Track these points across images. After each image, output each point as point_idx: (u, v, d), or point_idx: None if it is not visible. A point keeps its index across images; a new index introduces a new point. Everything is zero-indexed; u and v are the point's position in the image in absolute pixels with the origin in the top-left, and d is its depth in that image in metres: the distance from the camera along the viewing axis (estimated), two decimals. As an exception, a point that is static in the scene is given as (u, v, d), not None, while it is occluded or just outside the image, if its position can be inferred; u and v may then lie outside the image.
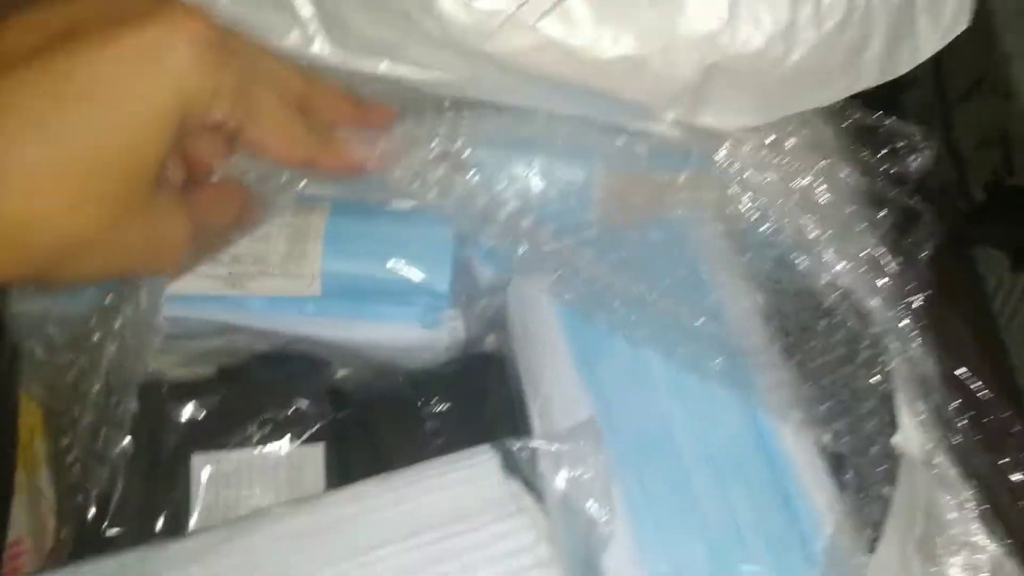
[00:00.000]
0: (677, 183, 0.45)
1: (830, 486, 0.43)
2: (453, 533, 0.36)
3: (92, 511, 0.39)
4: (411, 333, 0.46)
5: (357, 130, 0.37)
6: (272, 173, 0.36)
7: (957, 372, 0.43)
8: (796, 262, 0.45)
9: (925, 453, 0.42)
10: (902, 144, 0.50)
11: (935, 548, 0.40)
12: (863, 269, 0.46)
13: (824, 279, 0.45)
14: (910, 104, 0.64)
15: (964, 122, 0.71)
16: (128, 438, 0.40)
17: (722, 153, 0.45)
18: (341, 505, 0.37)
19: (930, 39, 0.42)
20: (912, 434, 0.44)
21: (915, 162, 0.49)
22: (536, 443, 0.40)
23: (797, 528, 0.41)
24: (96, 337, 0.39)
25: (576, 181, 0.43)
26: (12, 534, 0.46)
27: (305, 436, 0.44)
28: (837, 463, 0.43)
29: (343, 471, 0.44)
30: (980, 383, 0.43)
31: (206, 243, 0.35)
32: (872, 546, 0.41)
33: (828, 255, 0.45)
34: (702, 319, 0.40)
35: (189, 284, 0.44)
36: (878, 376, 0.44)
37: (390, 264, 0.46)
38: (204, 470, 0.42)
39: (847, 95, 0.44)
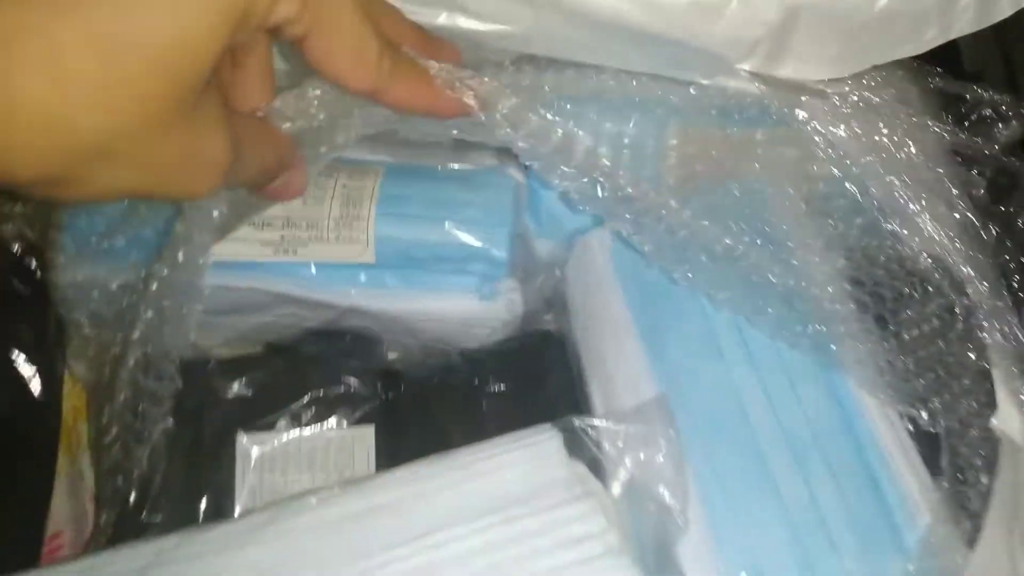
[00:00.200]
0: (754, 142, 0.42)
1: (923, 471, 0.39)
2: (515, 517, 0.33)
3: (132, 496, 0.36)
4: (468, 304, 0.44)
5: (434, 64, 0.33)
6: (317, 126, 0.34)
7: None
8: (884, 226, 0.41)
9: (1027, 436, 0.38)
10: (989, 113, 0.46)
11: (1044, 540, 0.36)
12: (956, 235, 0.42)
13: (915, 245, 0.41)
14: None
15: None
16: (169, 418, 0.37)
17: (802, 109, 0.41)
18: (394, 486, 0.34)
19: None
20: (1012, 415, 0.40)
21: (1004, 132, 0.45)
22: (602, 422, 0.37)
23: (887, 517, 0.38)
24: (135, 306, 0.36)
25: (647, 142, 0.40)
26: (52, 527, 0.44)
27: (355, 417, 0.42)
28: (930, 445, 0.40)
29: (394, 455, 0.41)
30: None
31: (238, 181, 0.31)
32: (972, 538, 0.37)
33: (918, 219, 0.42)
34: (792, 280, 0.37)
35: (237, 249, 0.42)
36: (974, 352, 0.41)
37: (446, 227, 0.43)
38: (250, 451, 0.40)
39: (939, 43, 0.41)
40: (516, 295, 0.45)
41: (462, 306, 0.44)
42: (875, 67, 0.43)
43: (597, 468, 0.37)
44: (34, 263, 0.48)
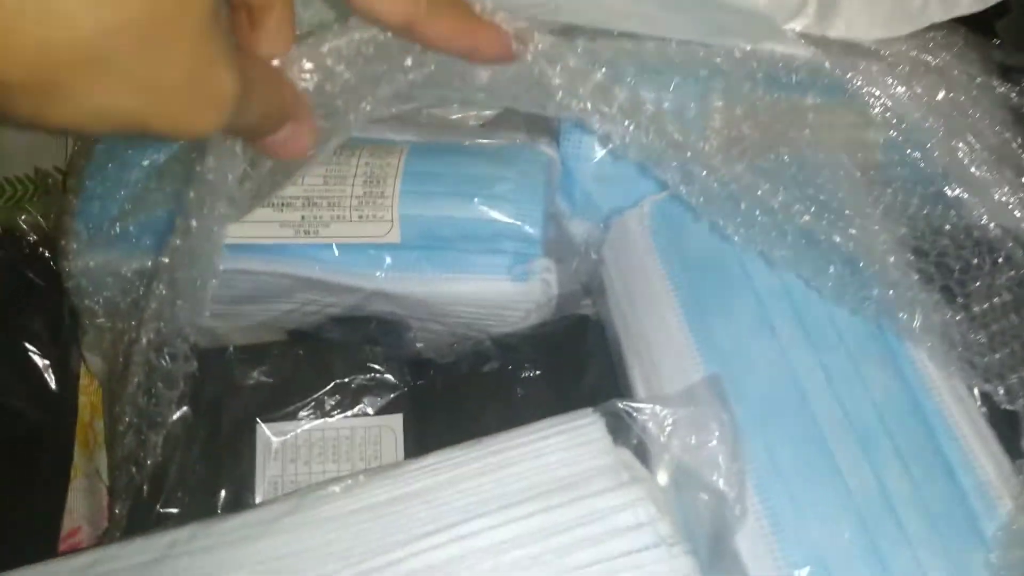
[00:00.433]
0: (804, 107, 0.39)
1: (1001, 453, 0.36)
2: (555, 505, 0.30)
3: (146, 487, 0.34)
4: (499, 286, 0.41)
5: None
6: (341, 88, 0.31)
7: None
8: (949, 194, 0.38)
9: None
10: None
11: None
12: (1027, 202, 0.38)
13: (983, 213, 0.38)
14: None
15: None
16: (185, 404, 0.35)
17: (857, 71, 0.38)
18: (424, 474, 0.32)
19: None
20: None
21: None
22: (648, 405, 0.34)
23: (963, 504, 0.34)
24: (148, 284, 0.34)
25: (689, 105, 0.37)
26: (70, 523, 0.42)
27: (382, 406, 0.39)
28: (1009, 426, 0.36)
29: (423, 444, 0.39)
30: None
31: (239, 126, 0.28)
32: (1058, 527, 0.34)
33: (986, 185, 0.38)
34: (853, 245, 0.34)
35: (255, 231, 0.40)
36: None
37: (475, 204, 0.41)
38: (271, 442, 0.37)
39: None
40: (551, 275, 0.42)
41: (493, 288, 0.42)
42: (932, 28, 0.40)
43: (644, 455, 0.34)
44: (48, 254, 0.46)
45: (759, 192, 0.33)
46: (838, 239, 0.34)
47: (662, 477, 0.33)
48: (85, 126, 0.23)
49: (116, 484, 0.36)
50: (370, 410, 0.39)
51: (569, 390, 0.41)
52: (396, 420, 0.39)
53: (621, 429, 0.34)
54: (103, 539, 0.37)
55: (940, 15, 0.39)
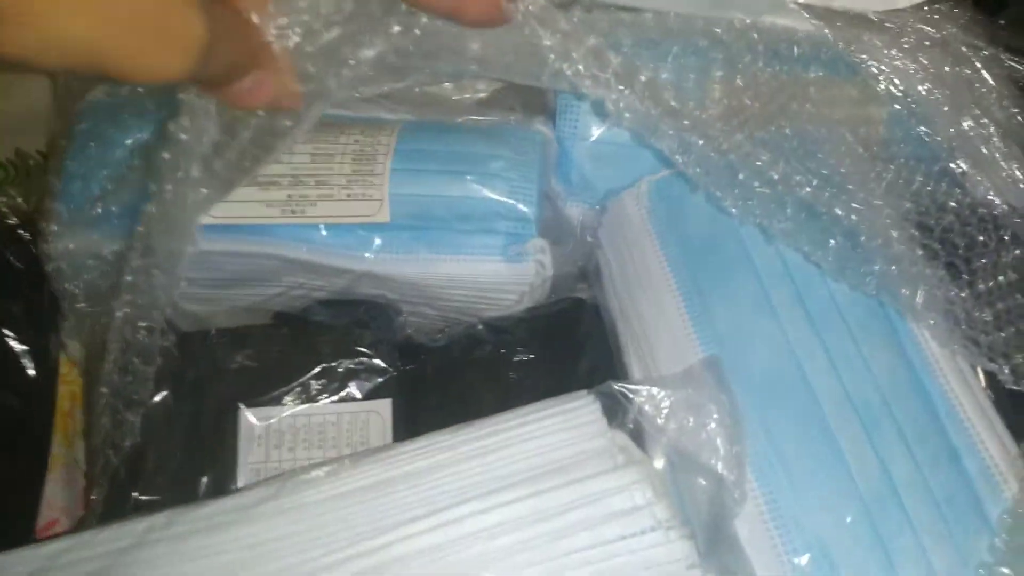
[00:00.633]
0: (806, 81, 0.38)
1: (1007, 436, 0.35)
2: (547, 489, 0.29)
3: (123, 471, 0.33)
4: (493, 267, 0.40)
5: None
6: (314, 43, 0.29)
7: None
8: (954, 169, 0.37)
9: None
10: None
11: None
12: (1035, 177, 0.37)
13: (989, 189, 0.37)
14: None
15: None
16: (166, 392, 0.34)
17: (860, 44, 0.37)
18: (412, 457, 0.31)
19: None
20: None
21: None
22: (645, 386, 0.33)
23: (968, 488, 0.33)
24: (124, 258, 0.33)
25: (688, 75, 0.36)
26: (49, 515, 0.41)
27: (371, 390, 0.38)
28: (1013, 407, 0.35)
29: (413, 430, 0.37)
30: None
31: (204, 73, 0.26)
32: (1067, 511, 0.33)
33: (991, 161, 0.37)
34: (856, 217, 0.32)
35: (239, 211, 0.39)
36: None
37: (468, 182, 0.39)
38: (254, 427, 0.36)
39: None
40: (545, 256, 0.41)
41: (487, 269, 0.40)
42: (937, 0, 0.39)
43: (640, 437, 0.33)
44: (29, 237, 0.45)
45: (758, 163, 0.32)
46: (840, 212, 0.32)
47: (659, 460, 0.32)
48: (39, 56, 0.22)
49: (93, 469, 0.35)
50: (358, 395, 0.38)
51: (564, 374, 0.40)
52: (385, 405, 0.38)
53: (617, 411, 0.33)
54: (78, 527, 0.36)
55: (946, -16, 0.38)
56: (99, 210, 0.40)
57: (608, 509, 0.28)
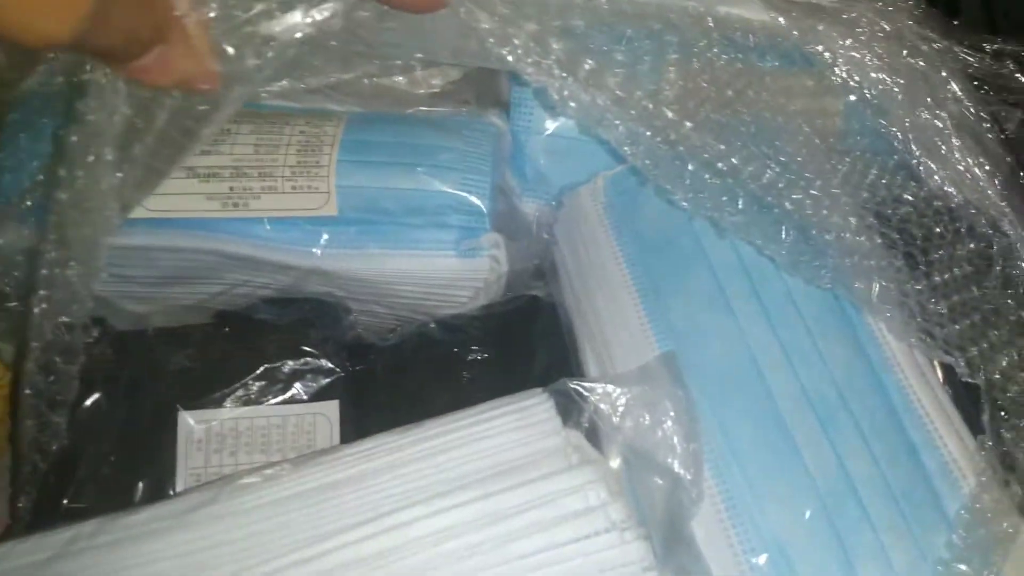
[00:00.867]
0: (762, 72, 0.37)
1: (964, 430, 0.34)
2: (497, 491, 0.28)
3: (52, 478, 0.31)
4: (445, 262, 0.39)
5: None
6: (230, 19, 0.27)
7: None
8: (910, 161, 0.36)
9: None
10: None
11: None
12: (989, 170, 0.37)
13: (943, 182, 0.36)
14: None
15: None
16: (98, 394, 0.32)
17: (816, 35, 0.37)
18: (356, 460, 0.29)
19: None
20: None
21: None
22: (600, 384, 0.32)
23: (927, 484, 0.33)
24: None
25: (643, 58, 0.35)
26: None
27: (317, 392, 0.37)
28: (971, 401, 0.35)
29: (362, 433, 0.36)
30: None
31: (99, 43, 0.24)
32: (1023, 504, 0.32)
33: (945, 154, 0.37)
34: (811, 207, 0.32)
35: (178, 204, 0.37)
36: (1014, 299, 0.36)
37: (418, 174, 0.38)
38: (193, 431, 0.34)
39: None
40: (500, 252, 0.40)
41: (439, 264, 0.39)
42: (892, -9, 0.39)
43: (596, 436, 0.32)
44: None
45: (706, 154, 0.31)
46: (793, 203, 0.32)
47: (614, 459, 0.31)
48: None
49: (20, 476, 0.33)
50: (303, 396, 0.36)
51: (519, 373, 0.39)
52: (332, 407, 0.36)
53: (572, 410, 0.32)
54: (2, 537, 0.34)
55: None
56: (29, 203, 0.38)
57: (561, 510, 0.27)
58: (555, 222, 0.44)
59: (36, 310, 0.31)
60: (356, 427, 0.37)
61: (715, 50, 0.36)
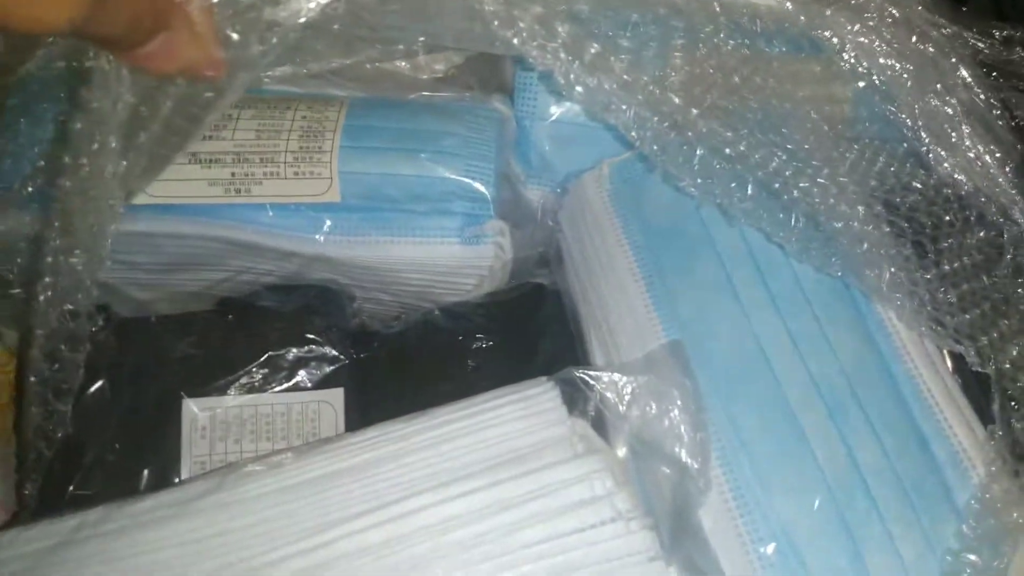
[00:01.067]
0: (770, 58, 0.37)
1: (974, 420, 0.34)
2: (503, 480, 0.28)
3: (58, 465, 0.31)
4: (450, 249, 0.39)
5: None
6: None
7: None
8: (918, 149, 0.36)
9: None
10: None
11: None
12: (1001, 157, 0.37)
13: (953, 168, 0.36)
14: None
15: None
16: (102, 381, 0.32)
17: (825, 21, 0.36)
18: (360, 449, 0.29)
19: None
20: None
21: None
22: (606, 373, 0.31)
23: (936, 474, 0.33)
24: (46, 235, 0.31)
25: (649, 44, 0.34)
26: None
27: (321, 380, 0.37)
28: (981, 391, 0.35)
29: (367, 420, 0.36)
30: None
31: (102, 30, 0.24)
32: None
33: (955, 141, 0.36)
34: (819, 196, 0.31)
35: (180, 190, 0.37)
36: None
37: (422, 160, 0.38)
38: (197, 418, 0.34)
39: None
40: (505, 239, 0.40)
41: (443, 251, 0.39)
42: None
43: (602, 425, 0.31)
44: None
45: (715, 141, 0.30)
46: (801, 191, 0.31)
47: (621, 448, 0.31)
48: None
49: (25, 463, 0.33)
50: (308, 384, 0.36)
51: (524, 361, 0.39)
52: (336, 395, 0.36)
53: (577, 399, 0.32)
54: (8, 524, 0.34)
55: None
56: (31, 189, 0.38)
57: (567, 500, 0.27)
58: (560, 209, 0.44)
59: (41, 298, 0.31)
60: (361, 415, 0.36)
61: (722, 35, 0.35)
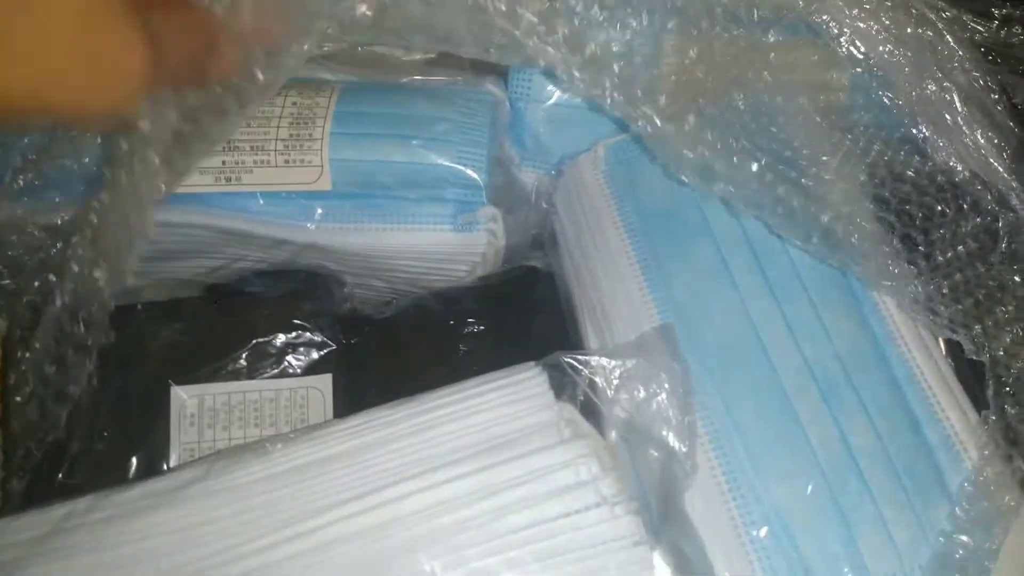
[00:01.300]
0: (765, 46, 0.36)
1: (968, 405, 0.34)
2: (490, 465, 0.28)
3: (46, 453, 0.31)
4: (442, 237, 0.38)
5: None
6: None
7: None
8: (914, 134, 0.36)
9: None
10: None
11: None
12: (997, 143, 0.36)
13: (949, 155, 0.36)
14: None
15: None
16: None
17: (821, 5, 0.36)
18: (348, 435, 0.29)
19: None
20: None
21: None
22: (594, 357, 0.31)
23: (929, 458, 0.33)
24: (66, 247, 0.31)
25: (640, 50, 0.34)
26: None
27: (309, 365, 0.36)
28: (975, 377, 0.34)
29: (356, 406, 0.35)
30: None
31: (168, 77, 0.26)
32: (1027, 479, 0.32)
33: (953, 126, 0.36)
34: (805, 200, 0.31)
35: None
36: (1020, 275, 0.35)
37: (413, 147, 0.37)
38: (185, 405, 0.34)
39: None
40: (497, 225, 0.39)
41: (436, 238, 0.39)
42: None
43: (591, 410, 0.31)
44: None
45: (715, 129, 0.30)
46: (796, 186, 0.31)
47: (610, 433, 0.31)
48: None
49: (11, 460, 0.32)
50: (296, 370, 0.36)
51: (517, 346, 0.38)
52: (325, 380, 0.36)
53: (566, 383, 0.31)
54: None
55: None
56: (21, 182, 0.38)
57: (552, 485, 0.27)
58: (555, 191, 0.43)
59: (58, 302, 0.30)
60: (350, 401, 0.36)
61: (718, 30, 0.35)
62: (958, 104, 0.36)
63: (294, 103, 0.38)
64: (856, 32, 0.36)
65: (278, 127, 0.38)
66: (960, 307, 0.34)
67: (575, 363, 0.31)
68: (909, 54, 0.37)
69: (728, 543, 0.31)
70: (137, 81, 0.23)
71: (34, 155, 0.39)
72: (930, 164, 0.36)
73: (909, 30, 0.37)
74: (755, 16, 0.36)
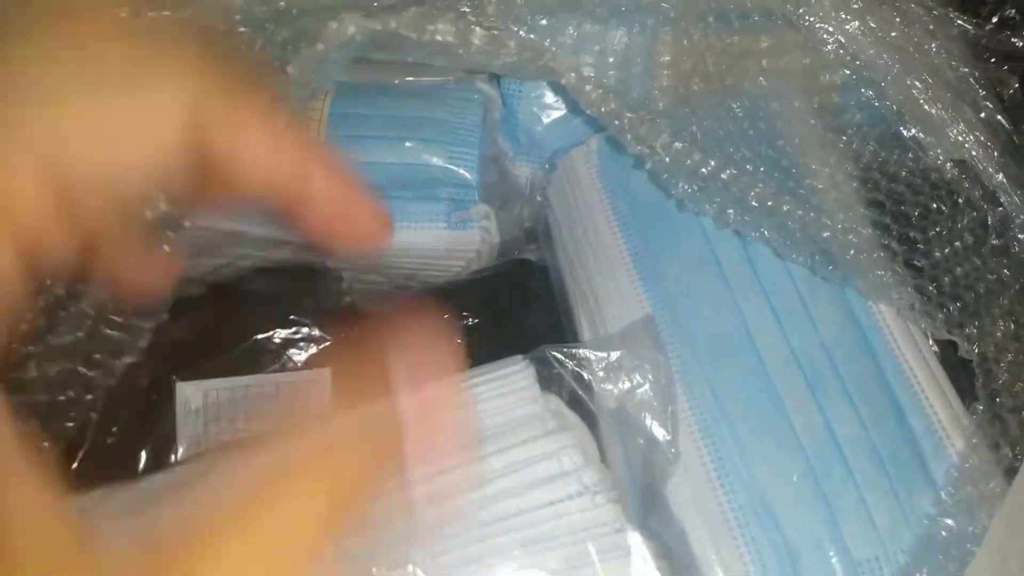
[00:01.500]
0: (757, 51, 0.36)
1: (952, 395, 0.34)
2: (479, 457, 0.28)
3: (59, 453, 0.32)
4: (436, 234, 0.39)
5: None
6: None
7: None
8: (905, 134, 0.36)
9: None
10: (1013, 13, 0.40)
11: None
12: (986, 140, 0.36)
13: (940, 153, 0.36)
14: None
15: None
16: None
17: (809, 7, 0.36)
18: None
19: None
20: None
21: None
22: (580, 350, 0.32)
23: (913, 446, 0.33)
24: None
25: (635, 59, 0.35)
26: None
27: (309, 359, 0.37)
28: (962, 368, 0.35)
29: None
30: None
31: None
32: (1011, 467, 0.32)
33: (943, 124, 0.36)
34: (802, 210, 0.32)
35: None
36: (1012, 267, 0.36)
37: (406, 148, 0.38)
38: (190, 400, 0.35)
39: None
40: (490, 223, 0.40)
41: (430, 237, 0.39)
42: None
43: (577, 401, 0.32)
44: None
45: (711, 163, 0.31)
46: (789, 201, 0.32)
47: (594, 423, 0.31)
48: None
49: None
50: (296, 365, 0.37)
51: (510, 339, 0.39)
52: (324, 375, 0.37)
53: (553, 376, 0.32)
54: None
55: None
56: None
57: (536, 475, 0.28)
58: (548, 185, 0.44)
59: (83, 304, 0.31)
60: (349, 395, 0.37)
61: (710, 38, 0.35)
62: (946, 102, 0.37)
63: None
64: (843, 34, 0.37)
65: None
66: (960, 303, 0.35)
67: (561, 356, 0.32)
68: (897, 55, 0.37)
69: (715, 527, 0.32)
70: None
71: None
72: (922, 162, 0.36)
73: (896, 30, 0.37)
74: (746, 21, 0.37)
